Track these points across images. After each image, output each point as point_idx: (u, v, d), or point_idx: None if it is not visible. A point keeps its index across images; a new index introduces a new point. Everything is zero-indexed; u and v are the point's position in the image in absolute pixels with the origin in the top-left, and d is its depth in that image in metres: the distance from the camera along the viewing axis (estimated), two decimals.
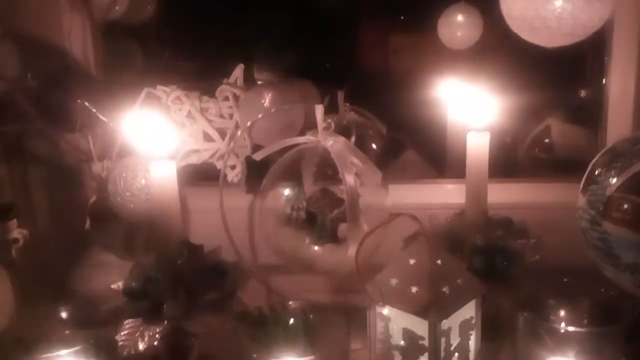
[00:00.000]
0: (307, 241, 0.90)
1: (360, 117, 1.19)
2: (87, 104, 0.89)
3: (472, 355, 0.79)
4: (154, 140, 0.76)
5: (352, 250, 0.86)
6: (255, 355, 0.74)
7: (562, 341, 0.74)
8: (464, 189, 0.94)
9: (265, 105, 0.98)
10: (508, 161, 1.18)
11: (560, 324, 0.72)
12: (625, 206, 0.77)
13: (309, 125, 0.98)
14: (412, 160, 1.27)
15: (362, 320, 0.83)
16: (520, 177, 1.16)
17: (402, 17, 1.33)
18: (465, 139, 1.23)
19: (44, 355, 0.77)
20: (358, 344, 0.82)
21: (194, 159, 1.04)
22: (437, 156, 1.25)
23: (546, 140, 1.21)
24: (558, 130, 1.17)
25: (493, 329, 0.82)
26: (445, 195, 1.09)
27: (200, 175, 1.08)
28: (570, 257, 0.89)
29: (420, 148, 1.27)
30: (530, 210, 0.95)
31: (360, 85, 1.29)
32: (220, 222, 1.00)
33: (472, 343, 0.79)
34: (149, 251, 0.85)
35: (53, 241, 0.99)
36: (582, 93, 1.20)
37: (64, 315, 0.85)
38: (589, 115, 1.12)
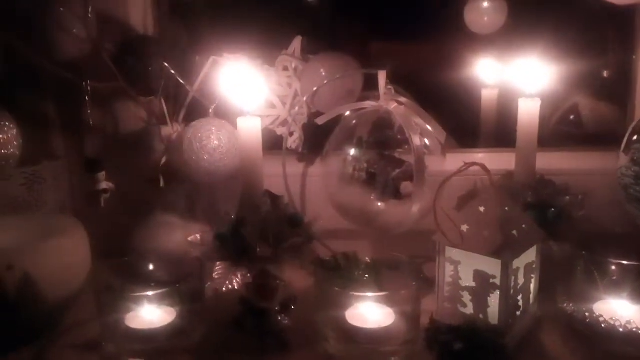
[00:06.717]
0: (372, 197, 0.97)
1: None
2: (167, 66, 0.94)
3: (532, 296, 0.87)
4: (245, 94, 0.82)
5: (416, 206, 0.93)
6: (336, 289, 0.80)
7: (614, 280, 0.82)
8: (498, 157, 1.08)
9: (324, 74, 1.05)
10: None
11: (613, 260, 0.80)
12: None
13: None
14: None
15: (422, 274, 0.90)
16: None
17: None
18: (497, 114, 1.33)
19: (133, 294, 0.81)
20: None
21: None
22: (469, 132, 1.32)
23: (572, 117, 1.29)
24: (586, 107, 1.25)
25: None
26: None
27: None
28: (609, 218, 0.97)
29: (452, 128, 1.34)
30: (568, 177, 1.03)
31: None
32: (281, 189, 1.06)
33: (533, 285, 0.86)
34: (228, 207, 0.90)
35: (125, 202, 1.03)
36: (607, 72, 1.28)
37: (149, 265, 0.90)
38: (616, 92, 1.20)
